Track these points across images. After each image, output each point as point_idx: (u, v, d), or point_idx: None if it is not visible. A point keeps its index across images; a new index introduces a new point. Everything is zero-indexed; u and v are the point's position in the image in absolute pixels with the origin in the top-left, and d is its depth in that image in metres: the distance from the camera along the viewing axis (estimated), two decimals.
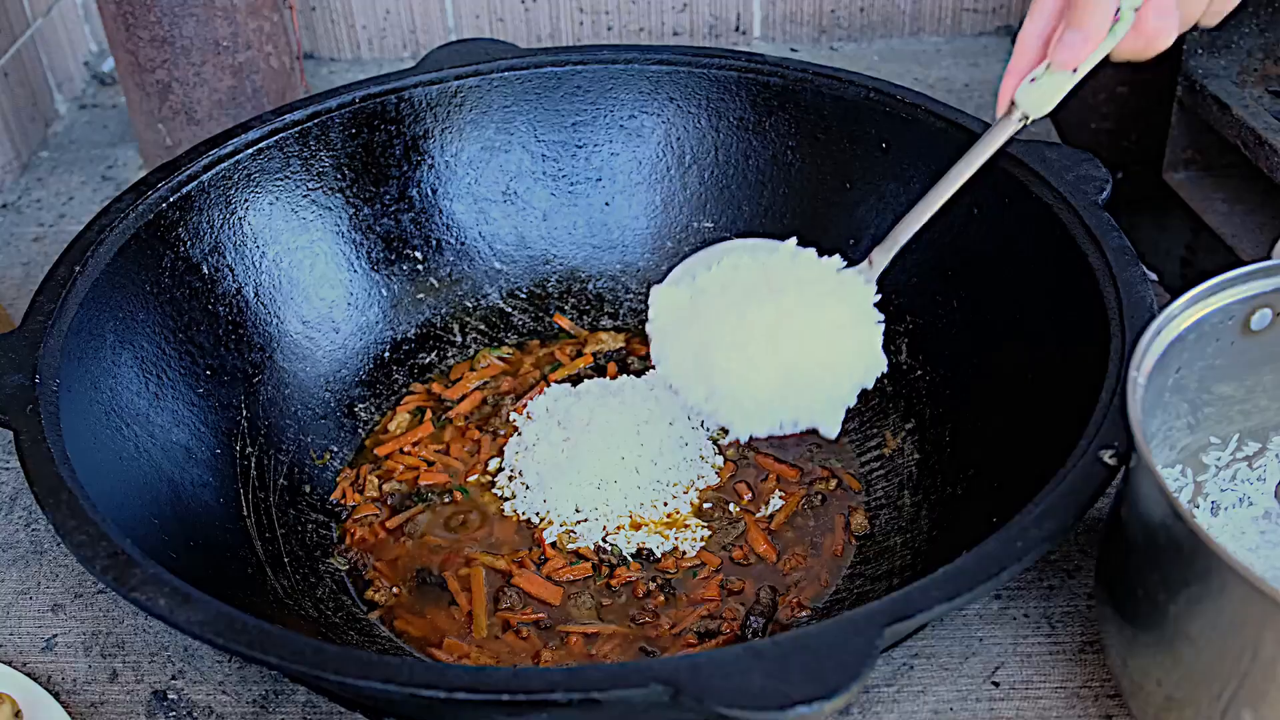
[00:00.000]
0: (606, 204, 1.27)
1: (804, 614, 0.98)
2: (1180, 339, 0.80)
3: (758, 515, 1.06)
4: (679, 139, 1.25)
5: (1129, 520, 0.76)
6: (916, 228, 1.02)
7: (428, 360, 1.22)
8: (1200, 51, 1.26)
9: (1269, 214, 1.23)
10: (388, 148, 1.21)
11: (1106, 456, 0.79)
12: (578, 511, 1.05)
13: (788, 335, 0.97)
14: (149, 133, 1.44)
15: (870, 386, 1.02)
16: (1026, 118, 0.97)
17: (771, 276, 1.01)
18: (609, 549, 1.03)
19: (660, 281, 1.07)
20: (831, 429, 1.01)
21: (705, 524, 1.05)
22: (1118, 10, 0.90)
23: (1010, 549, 0.75)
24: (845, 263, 1.04)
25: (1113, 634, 0.80)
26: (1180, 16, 0.90)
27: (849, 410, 1.13)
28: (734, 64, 1.23)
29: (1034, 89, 0.96)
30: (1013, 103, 0.98)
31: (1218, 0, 0.90)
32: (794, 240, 1.05)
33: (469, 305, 1.25)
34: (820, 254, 1.20)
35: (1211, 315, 0.81)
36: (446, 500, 1.09)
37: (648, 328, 1.05)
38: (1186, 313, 0.81)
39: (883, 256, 1.03)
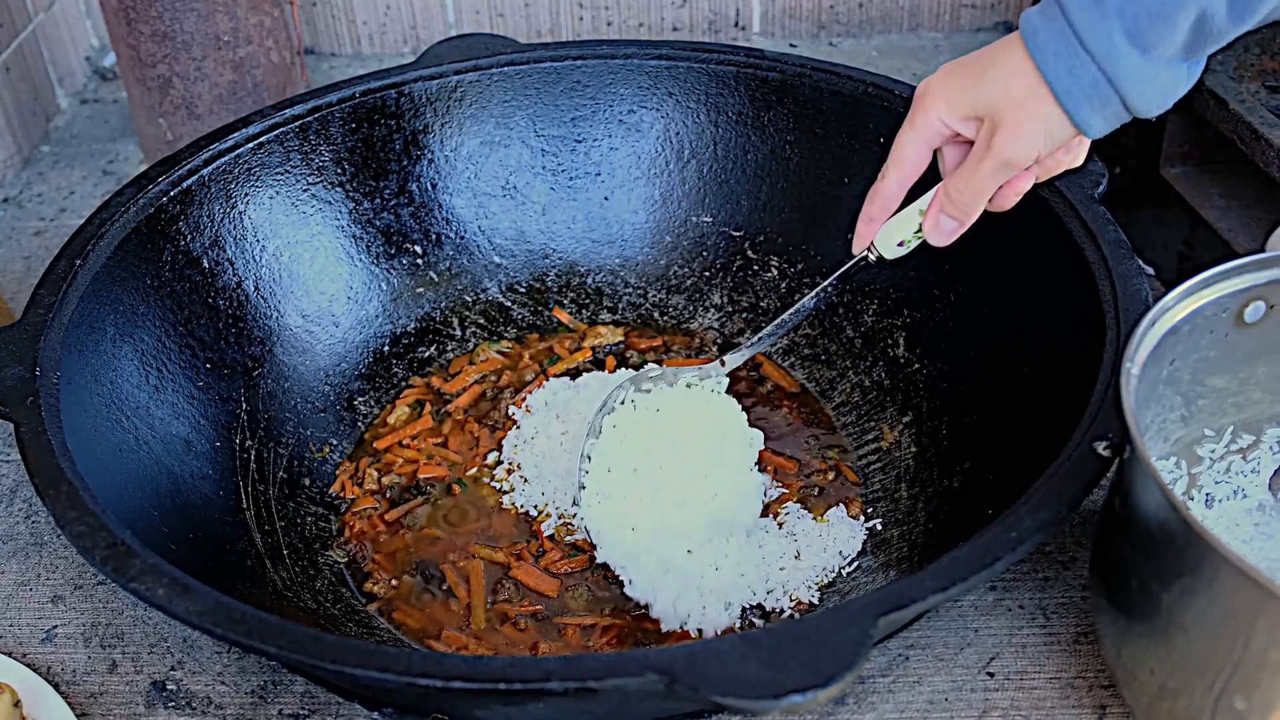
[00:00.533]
0: (605, 198, 1.27)
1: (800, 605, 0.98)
2: (1174, 331, 0.81)
3: None
4: (678, 134, 1.26)
5: (1123, 512, 0.76)
6: (771, 342, 1.05)
7: (427, 354, 1.23)
8: None
9: (1265, 208, 1.24)
10: (388, 142, 1.22)
11: (1100, 448, 0.79)
12: (575, 504, 1.05)
13: (705, 482, 1.01)
14: (150, 127, 1.45)
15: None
16: (882, 258, 0.97)
17: (658, 417, 1.04)
18: None
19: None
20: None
21: None
22: None
23: (1004, 539, 0.75)
24: (697, 369, 1.07)
25: (1107, 624, 0.80)
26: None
27: (847, 404, 1.14)
28: (733, 59, 1.23)
29: (898, 249, 0.96)
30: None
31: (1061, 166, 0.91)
32: (651, 365, 1.08)
33: (468, 299, 1.25)
34: (816, 252, 1.21)
35: (1205, 307, 0.82)
36: (445, 493, 1.09)
37: (591, 537, 1.02)
38: (1180, 305, 0.81)
39: (734, 360, 1.06)
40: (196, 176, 1.11)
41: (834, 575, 1.00)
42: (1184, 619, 0.71)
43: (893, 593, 0.72)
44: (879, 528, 1.03)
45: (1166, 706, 0.75)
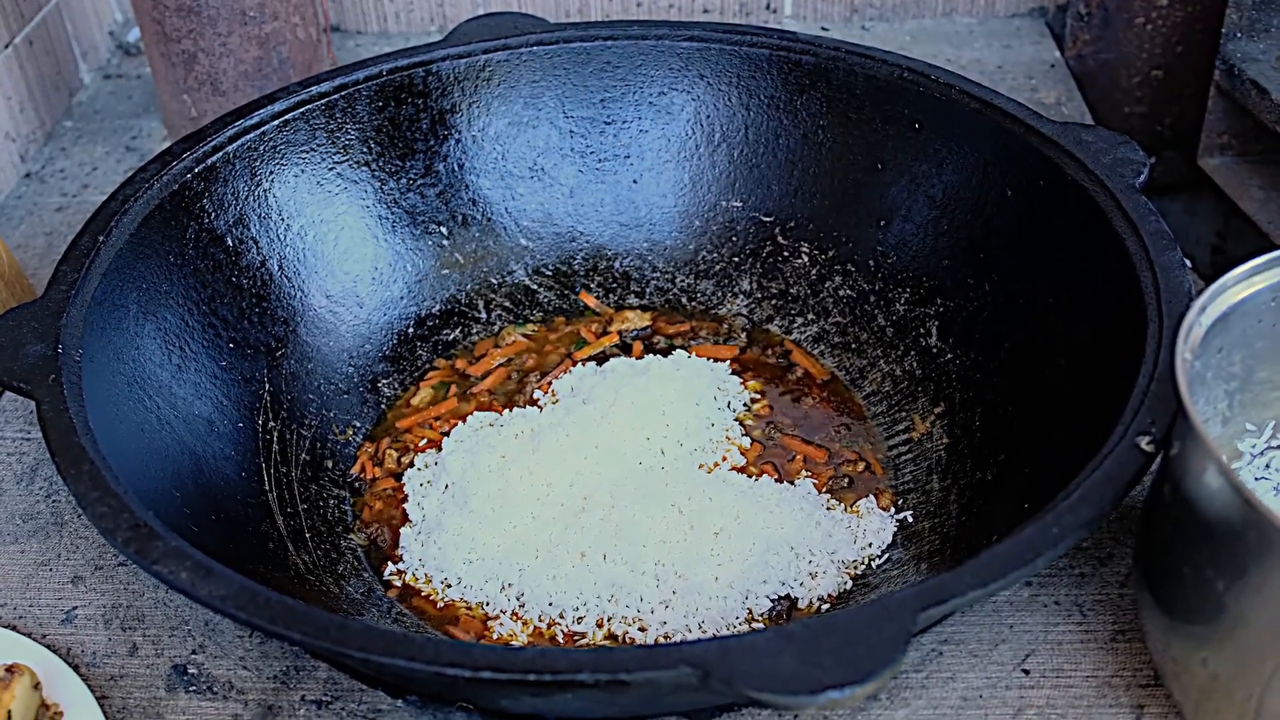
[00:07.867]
0: (634, 181, 1.26)
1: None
2: (1224, 318, 0.79)
3: None
4: (709, 117, 1.24)
5: (1174, 498, 0.74)
6: None
7: (452, 336, 1.21)
8: (1239, 35, 1.24)
9: None
10: (414, 122, 1.20)
11: (1144, 443, 0.78)
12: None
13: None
14: (174, 103, 1.43)
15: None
16: None
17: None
18: None
19: None
20: None
21: None
22: None
23: (1046, 534, 0.74)
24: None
25: (1154, 617, 0.78)
26: None
27: (878, 394, 1.12)
28: (766, 41, 1.21)
29: None
30: None
31: None
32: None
33: (494, 281, 1.24)
34: (847, 238, 1.19)
35: (1257, 295, 0.80)
36: None
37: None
38: (1233, 289, 0.79)
39: None
40: (221, 153, 1.09)
41: (864, 568, 0.98)
42: (1241, 605, 0.70)
43: (932, 587, 0.71)
44: (910, 520, 1.01)
45: (1218, 698, 0.74)
